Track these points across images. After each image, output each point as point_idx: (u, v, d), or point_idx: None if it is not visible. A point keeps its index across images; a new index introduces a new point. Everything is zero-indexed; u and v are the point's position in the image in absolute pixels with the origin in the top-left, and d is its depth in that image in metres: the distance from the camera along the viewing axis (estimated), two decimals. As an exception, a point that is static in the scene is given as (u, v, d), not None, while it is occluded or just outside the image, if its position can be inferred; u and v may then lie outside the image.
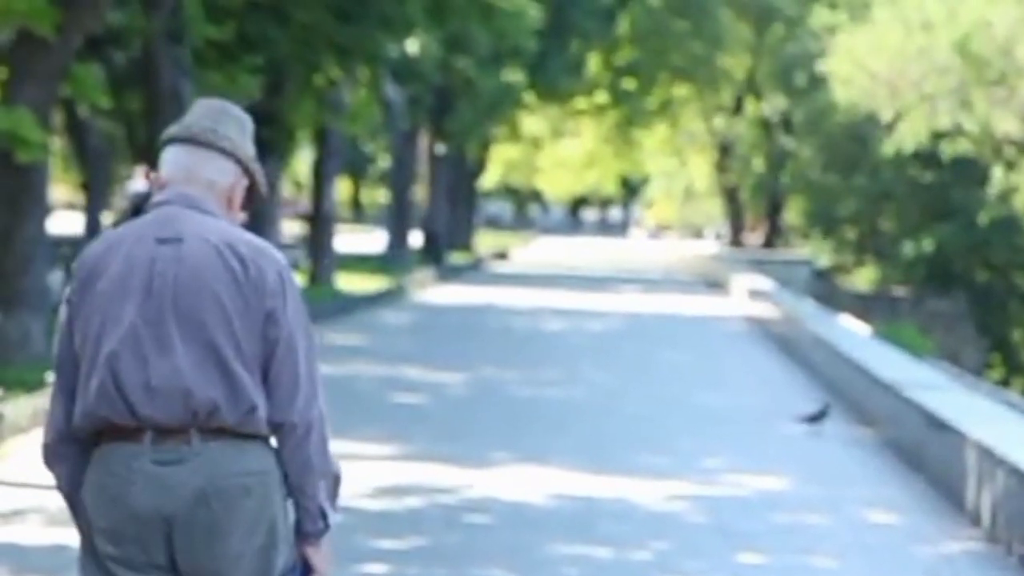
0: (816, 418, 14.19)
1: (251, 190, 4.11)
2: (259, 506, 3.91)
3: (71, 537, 8.64)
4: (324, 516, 4.02)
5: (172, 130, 4.08)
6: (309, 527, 4.01)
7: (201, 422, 3.88)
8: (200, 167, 4.03)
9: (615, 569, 8.64)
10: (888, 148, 44.25)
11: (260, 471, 3.93)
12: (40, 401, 12.38)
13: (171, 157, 4.06)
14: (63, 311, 4.02)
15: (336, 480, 4.04)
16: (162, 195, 4.03)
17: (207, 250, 3.93)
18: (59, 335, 4.01)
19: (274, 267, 3.96)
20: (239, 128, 4.08)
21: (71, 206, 70.46)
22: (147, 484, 3.88)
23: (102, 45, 23.74)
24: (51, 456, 4.08)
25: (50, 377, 13.98)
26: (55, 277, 17.56)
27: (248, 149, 4.09)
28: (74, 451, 4.01)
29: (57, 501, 9.50)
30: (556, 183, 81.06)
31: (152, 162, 22.62)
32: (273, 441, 4.00)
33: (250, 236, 4.01)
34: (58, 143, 47.07)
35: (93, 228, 45.68)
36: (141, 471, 3.88)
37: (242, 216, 4.15)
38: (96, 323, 3.92)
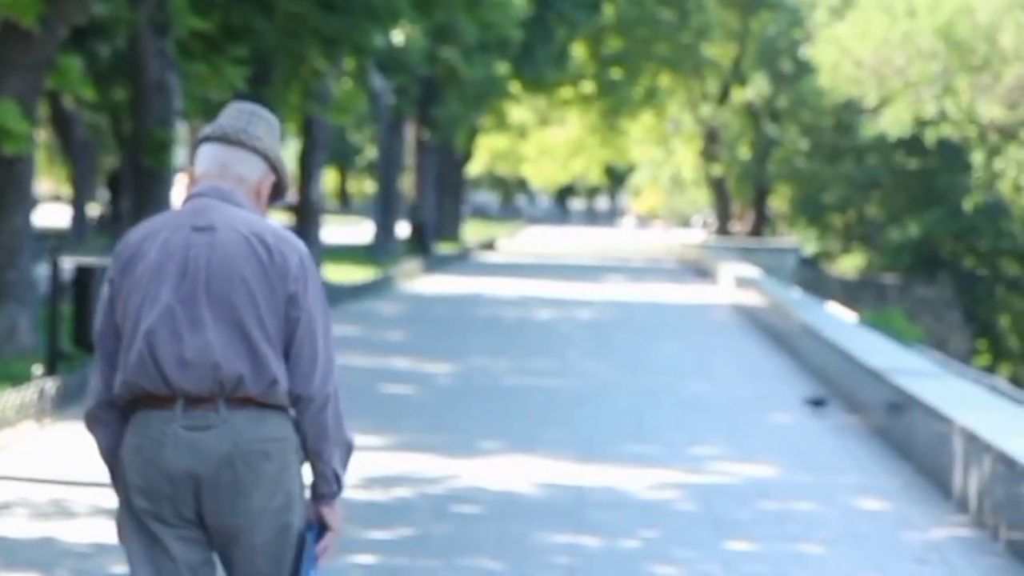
0: (819, 403, 14.70)
1: (277, 186, 4.53)
2: (278, 469, 4.31)
3: (58, 530, 8.65)
4: (338, 479, 4.43)
5: (207, 130, 4.49)
6: (324, 489, 4.42)
7: (228, 393, 4.28)
8: (232, 164, 4.46)
9: (604, 558, 8.64)
10: (869, 130, 44.31)
11: (280, 438, 4.33)
12: (28, 394, 12.35)
13: (206, 154, 4.47)
14: (105, 290, 4.43)
15: (348, 448, 4.45)
16: (197, 188, 4.44)
17: (237, 238, 4.33)
18: (101, 310, 4.42)
19: (296, 254, 4.37)
20: (269, 129, 4.50)
21: (57, 198, 70.38)
22: (178, 447, 4.28)
23: (87, 37, 23.69)
24: (92, 420, 4.45)
25: (37, 371, 13.99)
26: (41, 270, 17.52)
27: (276, 149, 4.50)
28: (113, 416, 4.41)
29: (45, 494, 9.50)
30: (542, 172, 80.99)
31: (136, 154, 22.45)
32: (292, 412, 4.40)
33: (275, 226, 4.42)
34: (43, 135, 46.99)
35: (79, 220, 45.62)
36: (173, 435, 4.29)
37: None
38: (136, 302, 4.33)
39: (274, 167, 4.49)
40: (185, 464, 4.27)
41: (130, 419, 4.36)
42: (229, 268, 4.31)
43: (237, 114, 4.49)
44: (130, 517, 4.36)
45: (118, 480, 4.41)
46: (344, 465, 4.44)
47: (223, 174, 4.44)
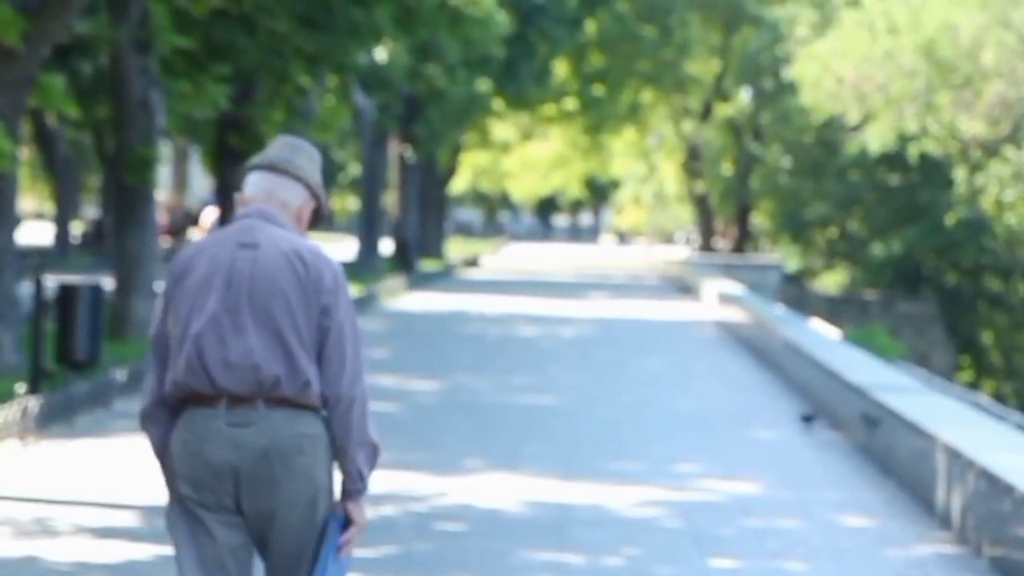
0: (809, 418, 14.86)
1: (316, 211, 5.02)
2: (310, 462, 4.77)
3: (41, 549, 8.63)
4: (362, 478, 4.85)
5: (256, 160, 5.02)
6: (349, 486, 4.86)
7: (266, 392, 4.75)
8: (277, 190, 4.97)
9: (587, 575, 8.65)
10: (852, 147, 44.39)
11: (312, 434, 4.79)
12: (11, 412, 12.33)
13: (254, 181, 4.99)
14: (159, 302, 4.92)
15: (374, 450, 4.87)
16: (245, 210, 4.94)
17: (277, 255, 4.82)
18: (155, 319, 4.91)
19: (330, 271, 4.85)
20: (310, 161, 5.02)
21: (40, 216, 70.23)
22: (221, 442, 4.75)
23: (69, 54, 23.66)
24: (146, 418, 4.91)
25: (20, 389, 13.95)
26: (24, 288, 17.48)
27: (316, 178, 5.00)
28: (165, 415, 4.87)
29: (27, 513, 9.49)
30: (524, 184, 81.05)
31: (119, 171, 22.37)
32: (323, 413, 4.84)
33: (313, 245, 4.88)
34: (26, 153, 46.92)
35: (62, 238, 45.52)
36: (217, 431, 4.75)
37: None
38: (186, 310, 4.82)
39: (315, 194, 4.99)
40: (227, 457, 4.73)
41: (180, 417, 4.82)
42: (269, 281, 4.79)
43: (282, 146, 5.02)
44: (178, 505, 4.81)
45: (168, 473, 4.86)
46: (369, 465, 4.86)
47: (268, 198, 4.94)
